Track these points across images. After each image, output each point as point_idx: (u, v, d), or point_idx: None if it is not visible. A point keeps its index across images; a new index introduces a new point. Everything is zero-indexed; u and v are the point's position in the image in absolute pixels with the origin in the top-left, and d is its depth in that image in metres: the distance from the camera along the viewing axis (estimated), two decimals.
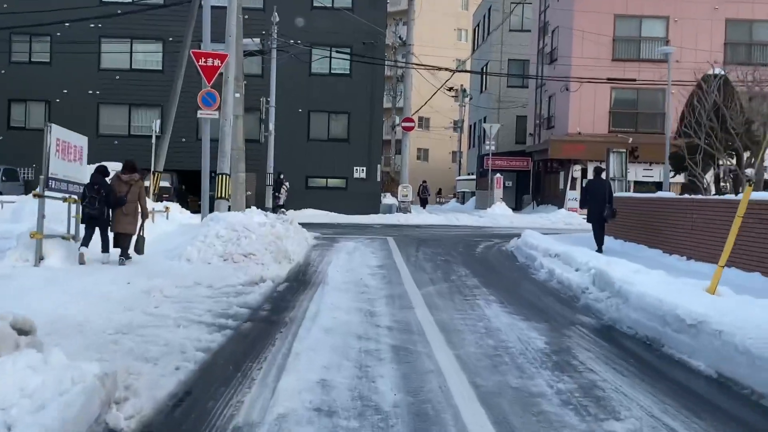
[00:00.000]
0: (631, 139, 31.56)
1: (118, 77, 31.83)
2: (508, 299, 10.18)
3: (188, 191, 28.85)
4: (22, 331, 4.94)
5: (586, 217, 17.66)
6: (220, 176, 15.80)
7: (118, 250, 12.26)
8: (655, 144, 30.75)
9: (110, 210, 12.38)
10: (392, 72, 54.84)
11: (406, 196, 31.44)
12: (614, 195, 18.58)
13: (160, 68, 31.63)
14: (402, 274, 12.44)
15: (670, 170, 26.08)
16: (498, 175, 33.56)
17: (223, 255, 12.14)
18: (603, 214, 16.38)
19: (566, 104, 32.75)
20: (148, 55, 32.09)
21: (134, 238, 12.59)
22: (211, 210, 15.33)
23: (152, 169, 19.77)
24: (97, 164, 12.66)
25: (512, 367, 6.37)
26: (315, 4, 31.86)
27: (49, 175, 11.00)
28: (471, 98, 52.52)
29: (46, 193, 11.21)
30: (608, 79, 30.40)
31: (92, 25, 31.41)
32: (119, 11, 29.15)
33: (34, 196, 11.37)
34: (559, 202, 33.23)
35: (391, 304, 9.49)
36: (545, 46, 37.36)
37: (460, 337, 7.55)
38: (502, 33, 46.66)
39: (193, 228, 14.51)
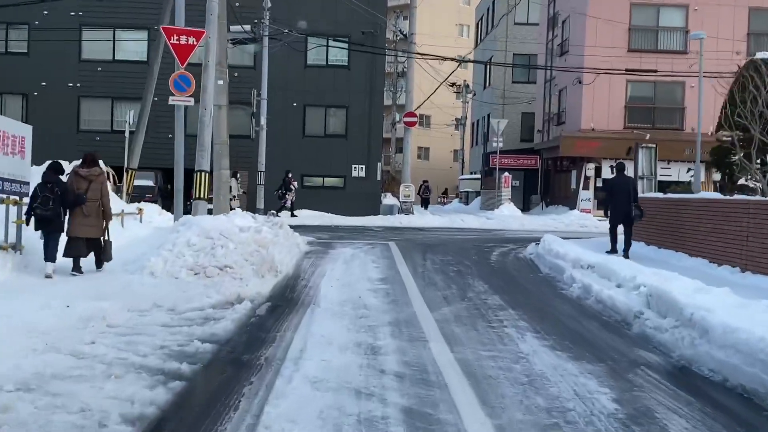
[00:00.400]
0: (648, 136, 29.51)
1: (100, 69, 29.75)
2: (543, 326, 8.15)
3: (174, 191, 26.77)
4: None
5: (608, 219, 15.69)
6: (199, 174, 13.77)
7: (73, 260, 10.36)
8: (674, 141, 28.81)
9: (67, 211, 10.50)
10: (392, 68, 52.87)
11: (408, 196, 29.40)
12: (645, 195, 16.62)
13: (145, 59, 29.41)
14: (409, 290, 10.41)
15: (697, 168, 24.13)
16: (506, 173, 31.53)
17: (194, 268, 10.11)
18: (629, 214, 14.50)
19: (579, 98, 30.72)
20: (133, 45, 30.04)
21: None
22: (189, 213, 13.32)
23: (125, 167, 17.74)
24: (50, 161, 10.68)
25: None
26: None
27: None
28: (474, 94, 50.46)
29: None
30: (626, 69, 28.37)
31: (72, 14, 29.38)
32: None
33: None
34: (570, 202, 31.21)
35: (398, 334, 7.45)
36: (555, 38, 35.33)
37: (496, 393, 5.51)
38: (507, 26, 44.67)
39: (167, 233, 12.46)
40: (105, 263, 10.81)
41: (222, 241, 10.56)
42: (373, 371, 5.95)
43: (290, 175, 27.89)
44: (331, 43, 29.14)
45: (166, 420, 4.74)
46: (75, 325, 7.15)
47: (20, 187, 9.98)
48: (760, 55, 17.22)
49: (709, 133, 29.88)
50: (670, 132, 29.95)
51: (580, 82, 30.20)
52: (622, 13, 29.96)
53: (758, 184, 15.78)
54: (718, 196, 14.92)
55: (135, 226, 15.24)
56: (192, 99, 13.12)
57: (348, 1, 27.57)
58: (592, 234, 22.85)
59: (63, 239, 10.44)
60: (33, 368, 5.58)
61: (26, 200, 10.21)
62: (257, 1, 27.00)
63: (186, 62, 12.76)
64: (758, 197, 13.52)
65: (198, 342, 6.72)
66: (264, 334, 7.35)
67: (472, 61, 38.61)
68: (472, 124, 54.63)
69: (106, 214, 10.90)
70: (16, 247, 10.04)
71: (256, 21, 26.48)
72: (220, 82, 16.00)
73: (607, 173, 30.46)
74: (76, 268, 10.42)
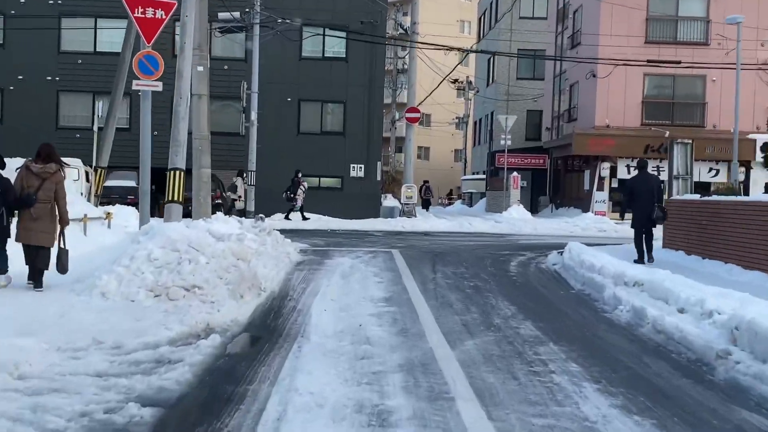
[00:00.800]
0: (667, 133, 27.60)
1: (80, 61, 27.77)
2: (601, 370, 6.21)
3: (159, 192, 24.79)
4: None
5: (631, 222, 14.00)
6: (172, 173, 11.83)
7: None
8: (694, 139, 26.84)
9: (10, 213, 8.75)
10: (392, 64, 50.98)
11: (411, 197, 27.46)
12: (681, 198, 14.71)
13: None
14: (420, 315, 8.47)
15: (735, 168, 22.34)
16: (515, 173, 29.58)
17: (155, 288, 8.15)
18: (651, 215, 13.06)
19: (592, 93, 28.78)
20: (116, 36, 27.89)
21: (54, 252, 8.98)
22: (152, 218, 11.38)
23: (93, 165, 15.78)
24: None
25: None
26: None
27: None
28: (477, 91, 48.53)
29: None
30: (648, 61, 26.40)
31: (51, 2, 27.48)
32: None
33: None
34: (583, 204, 29.26)
35: (413, 388, 5.51)
36: (565, 30, 33.39)
37: None
38: (512, 20, 42.72)
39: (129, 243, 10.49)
40: (45, 280, 8.95)
41: (191, 254, 8.61)
42: None
43: (300, 175, 25.86)
44: (327, 32, 27.15)
45: None
46: None
47: None
48: None
49: (731, 130, 28.01)
50: (691, 129, 28.00)
51: (594, 76, 28.27)
52: (639, 1, 28.04)
53: None
54: None
55: (102, 233, 13.30)
56: (160, 84, 11.18)
57: None
58: (609, 238, 20.97)
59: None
60: None
61: None
62: None
63: (153, 40, 10.82)
64: None
65: (135, 406, 4.79)
66: (231, 388, 5.41)
67: (479, 51, 36.72)
68: (475, 123, 52.73)
69: (61, 219, 9.08)
70: None
71: (247, 10, 24.53)
72: (200, 68, 14.09)
73: (623, 173, 28.57)
74: (36, 281, 8.72)
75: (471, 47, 48.09)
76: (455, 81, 49.00)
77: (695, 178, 27.97)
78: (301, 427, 4.55)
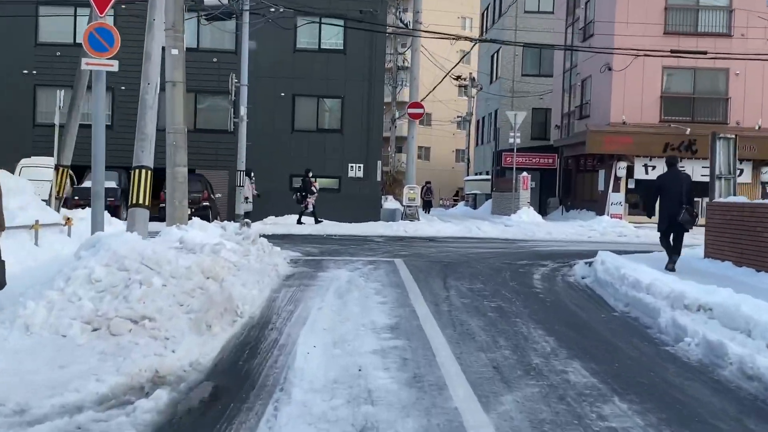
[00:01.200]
0: (688, 130, 25.85)
1: (59, 53, 25.86)
2: None
3: None
4: None
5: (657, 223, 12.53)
6: (138, 172, 9.98)
7: None
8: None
9: None
10: (392, 61, 49.18)
11: (413, 199, 25.59)
12: (726, 200, 12.89)
13: None
14: (437, 353, 6.62)
15: None
16: (524, 173, 27.70)
17: (93, 320, 6.28)
18: (677, 216, 11.70)
19: (607, 88, 26.93)
20: None
21: None
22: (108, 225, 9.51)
23: (55, 164, 13.90)
24: None
25: None
26: None
27: None
28: (481, 88, 46.70)
29: None
30: (671, 51, 24.53)
31: None
32: None
33: None
34: (597, 206, 27.41)
35: None
36: (576, 21, 31.54)
37: None
38: (516, 15, 40.93)
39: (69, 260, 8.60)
40: None
41: (143, 273, 6.74)
42: None
43: (311, 175, 23.98)
44: (324, 21, 25.27)
45: None
46: None
47: None
48: None
49: (757, 127, 26.21)
50: (712, 126, 26.12)
51: (609, 69, 26.43)
52: None
53: None
54: None
55: (60, 242, 11.43)
56: (114, 63, 9.34)
57: None
58: (631, 244, 19.15)
59: None
60: None
61: None
62: None
63: (107, 9, 8.98)
64: None
65: None
66: None
67: (487, 41, 34.79)
68: (477, 122, 50.93)
69: None
70: None
71: None
72: (175, 51, 12.21)
73: (640, 173, 26.75)
74: None
75: (472, 46, 46.32)
76: (458, 78, 47.23)
77: None
78: None
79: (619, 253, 13.05)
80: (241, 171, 21.63)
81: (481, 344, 7.02)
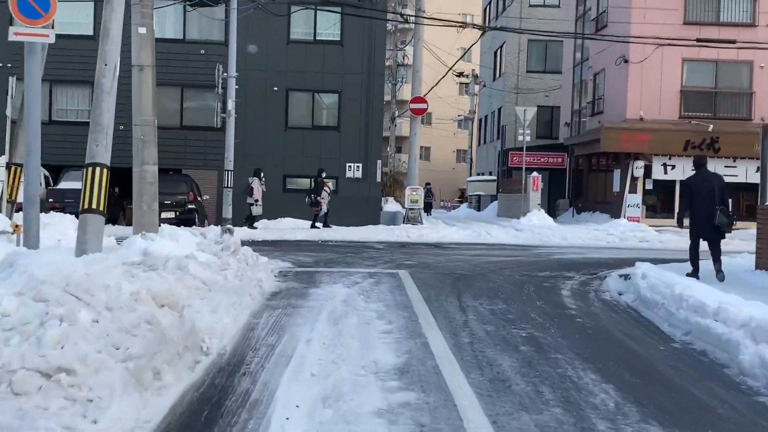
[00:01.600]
0: (711, 127, 24.12)
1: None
2: None
3: (123, 196, 21.13)
4: None
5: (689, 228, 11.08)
6: (91, 170, 8.22)
7: None
8: (740, 133, 23.36)
9: None
10: (392, 58, 47.51)
11: (416, 202, 23.85)
12: None
13: (91, 33, 23.96)
14: (464, 414, 4.87)
15: None
16: (535, 173, 25.95)
17: None
18: (712, 220, 10.67)
19: (623, 82, 25.20)
20: (74, 16, 24.48)
21: None
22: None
23: (7, 162, 12.11)
24: None
25: None
26: None
27: None
28: (484, 85, 45.02)
29: None
30: (697, 40, 22.78)
31: None
32: None
33: None
34: (611, 208, 25.67)
35: None
36: (588, 11, 29.81)
37: None
38: (521, 8, 39.22)
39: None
40: None
41: (67, 305, 4.98)
42: None
43: (324, 175, 22.25)
44: (320, 8, 23.47)
45: None
46: None
47: None
48: None
49: None
50: (736, 123, 24.51)
51: (625, 61, 24.68)
52: None
53: None
54: None
55: (3, 253, 9.62)
56: (51, 34, 7.63)
57: None
58: (654, 250, 17.47)
59: None
60: None
61: None
62: None
63: None
64: None
65: None
66: None
67: (495, 29, 33.10)
68: (480, 120, 49.23)
69: None
70: None
71: None
72: (143, 29, 10.57)
73: (658, 173, 25.03)
74: None
75: (474, 43, 44.58)
76: (460, 74, 45.53)
77: (741, 179, 24.61)
78: None
79: (655, 262, 11.35)
80: (228, 171, 19.85)
81: (522, 398, 5.26)
